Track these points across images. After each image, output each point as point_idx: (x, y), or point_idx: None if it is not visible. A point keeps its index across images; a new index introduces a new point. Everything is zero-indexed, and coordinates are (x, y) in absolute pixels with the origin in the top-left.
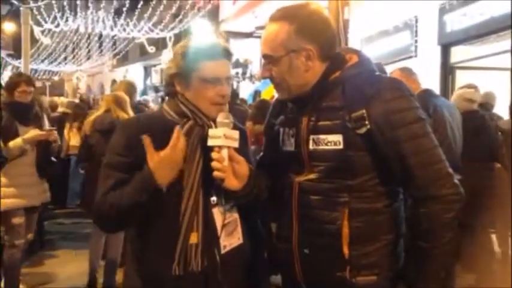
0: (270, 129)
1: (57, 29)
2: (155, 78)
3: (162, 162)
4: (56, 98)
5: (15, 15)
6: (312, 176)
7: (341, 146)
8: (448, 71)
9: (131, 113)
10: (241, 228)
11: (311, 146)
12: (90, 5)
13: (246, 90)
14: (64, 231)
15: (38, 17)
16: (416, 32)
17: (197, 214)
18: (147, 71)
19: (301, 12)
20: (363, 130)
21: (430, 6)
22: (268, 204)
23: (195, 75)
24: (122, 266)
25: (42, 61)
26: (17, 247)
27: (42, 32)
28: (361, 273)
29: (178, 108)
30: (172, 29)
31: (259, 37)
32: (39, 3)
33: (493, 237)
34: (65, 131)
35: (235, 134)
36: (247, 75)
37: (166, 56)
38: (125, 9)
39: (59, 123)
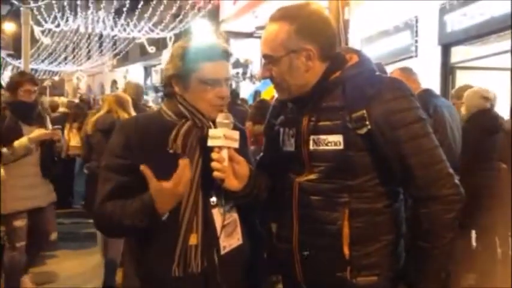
0: (270, 129)
1: (58, 29)
2: (155, 79)
3: (164, 193)
4: (56, 98)
5: (15, 15)
6: (312, 176)
7: (341, 146)
8: (448, 71)
9: (133, 113)
10: (241, 228)
11: (311, 146)
12: (90, 5)
13: (246, 90)
14: (64, 231)
15: (38, 17)
16: (416, 32)
17: (197, 215)
18: (147, 71)
19: (301, 12)
20: (363, 130)
21: (430, 6)
22: (268, 205)
23: (193, 77)
24: (122, 266)
25: (43, 61)
26: (18, 249)
27: (43, 32)
28: (361, 273)
29: (176, 108)
30: (173, 29)
31: (259, 37)
32: (40, 3)
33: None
34: (65, 131)
35: (236, 134)
36: (248, 75)
37: (167, 56)
38: (125, 9)
39: (59, 123)
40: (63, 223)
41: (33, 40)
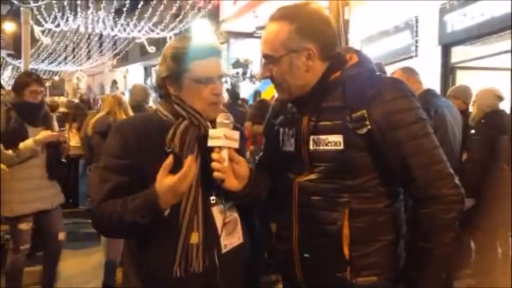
0: (270, 129)
1: (58, 29)
2: (155, 79)
3: (171, 189)
4: (56, 98)
5: (15, 14)
6: (312, 177)
7: (341, 147)
8: (448, 71)
9: (131, 114)
10: (241, 227)
11: (311, 147)
12: (90, 5)
13: (246, 91)
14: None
15: (39, 16)
16: (416, 32)
17: (197, 213)
18: (147, 71)
19: (301, 12)
20: (363, 130)
21: (430, 6)
22: (268, 205)
23: (186, 77)
24: (122, 266)
25: (43, 61)
26: (21, 252)
27: (43, 31)
28: (361, 273)
29: (172, 109)
30: (173, 29)
31: (259, 37)
32: (40, 3)
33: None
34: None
35: (236, 134)
36: (248, 75)
37: None
38: (125, 9)
39: (59, 123)
40: (64, 223)
41: (33, 40)
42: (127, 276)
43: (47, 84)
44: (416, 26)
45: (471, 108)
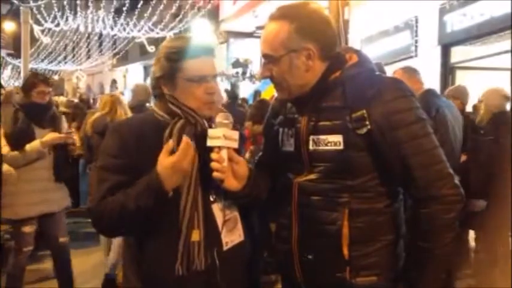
0: (269, 129)
1: (57, 28)
2: (150, 79)
3: (174, 165)
4: (55, 98)
5: (15, 14)
6: (312, 176)
7: (341, 147)
8: (448, 71)
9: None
10: (242, 225)
11: (311, 147)
12: (90, 4)
13: (246, 90)
14: None
15: (38, 16)
16: (416, 32)
17: (197, 211)
18: (147, 71)
19: (301, 11)
20: (363, 130)
21: (430, 6)
22: (268, 205)
23: (179, 76)
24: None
25: (42, 60)
26: (24, 253)
27: (42, 31)
28: (360, 274)
29: (168, 108)
30: (172, 28)
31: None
32: (39, 3)
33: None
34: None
35: (235, 134)
36: (247, 75)
37: None
38: (125, 8)
39: None
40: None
41: (33, 39)
42: (127, 276)
43: None
44: (416, 26)
45: (469, 108)
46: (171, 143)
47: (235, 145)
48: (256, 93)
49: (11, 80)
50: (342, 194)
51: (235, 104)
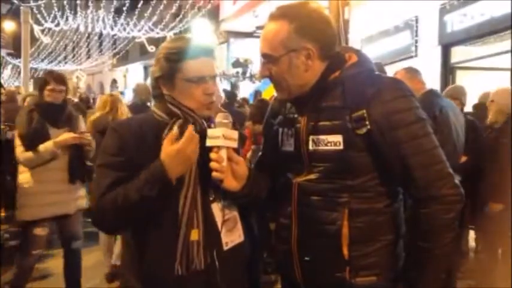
0: (269, 129)
1: (57, 28)
2: (150, 79)
3: (178, 152)
4: None
5: (15, 14)
6: (312, 176)
7: (341, 147)
8: (448, 71)
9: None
10: (242, 225)
11: (311, 147)
12: (90, 4)
13: (246, 90)
14: None
15: (38, 16)
16: (416, 32)
17: (196, 210)
18: (147, 71)
19: (301, 11)
20: (363, 130)
21: (430, 6)
22: (267, 205)
23: (178, 77)
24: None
25: (42, 60)
26: (33, 256)
27: (42, 31)
28: (360, 273)
29: (167, 108)
30: (173, 28)
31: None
32: (39, 2)
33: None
34: None
35: (235, 134)
36: (247, 75)
37: None
38: (125, 8)
39: None
40: None
41: (33, 39)
42: (126, 276)
43: None
44: (416, 26)
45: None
46: (175, 131)
47: (235, 145)
48: (257, 93)
49: (10, 79)
50: (341, 194)
51: (235, 104)
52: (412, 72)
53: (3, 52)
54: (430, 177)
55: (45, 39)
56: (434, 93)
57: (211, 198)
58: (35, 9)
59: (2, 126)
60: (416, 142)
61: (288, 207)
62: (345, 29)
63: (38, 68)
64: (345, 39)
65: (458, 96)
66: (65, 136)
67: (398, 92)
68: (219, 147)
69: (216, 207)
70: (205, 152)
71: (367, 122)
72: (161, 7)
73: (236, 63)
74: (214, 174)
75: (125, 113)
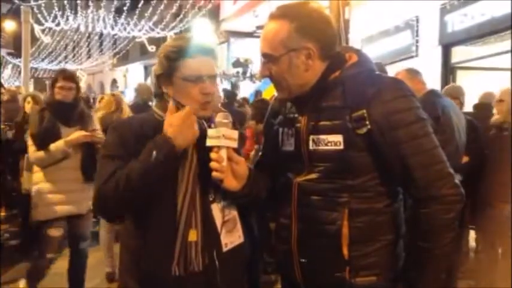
0: (269, 128)
1: (58, 28)
2: (152, 78)
3: (183, 117)
4: None
5: (15, 13)
6: (312, 176)
7: (341, 147)
8: (449, 71)
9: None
10: (241, 225)
11: (311, 146)
12: (90, 3)
13: (246, 90)
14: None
15: (39, 15)
16: (417, 32)
17: (195, 210)
18: (147, 70)
19: (301, 11)
20: (363, 130)
21: (431, 6)
22: (267, 204)
23: (176, 75)
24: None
25: (43, 60)
26: (47, 260)
27: (43, 30)
28: (360, 273)
29: (167, 108)
30: (173, 28)
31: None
32: (40, 2)
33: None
34: None
35: (235, 134)
36: (248, 74)
37: None
38: (125, 8)
39: None
40: None
41: (34, 39)
42: (125, 277)
43: (47, 83)
44: (417, 26)
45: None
46: (173, 108)
47: (235, 145)
48: (257, 93)
49: (11, 79)
50: (341, 194)
51: (235, 104)
52: (413, 72)
53: (4, 52)
54: (430, 177)
55: (46, 39)
56: (435, 94)
57: (211, 199)
58: (35, 9)
59: (2, 126)
60: (417, 142)
61: (288, 207)
62: (345, 28)
63: (38, 68)
64: (345, 39)
65: (458, 95)
66: (76, 134)
67: (399, 92)
68: (219, 147)
69: (216, 208)
70: (205, 152)
71: (367, 122)
72: (162, 7)
73: (236, 63)
74: (214, 174)
75: (127, 112)
